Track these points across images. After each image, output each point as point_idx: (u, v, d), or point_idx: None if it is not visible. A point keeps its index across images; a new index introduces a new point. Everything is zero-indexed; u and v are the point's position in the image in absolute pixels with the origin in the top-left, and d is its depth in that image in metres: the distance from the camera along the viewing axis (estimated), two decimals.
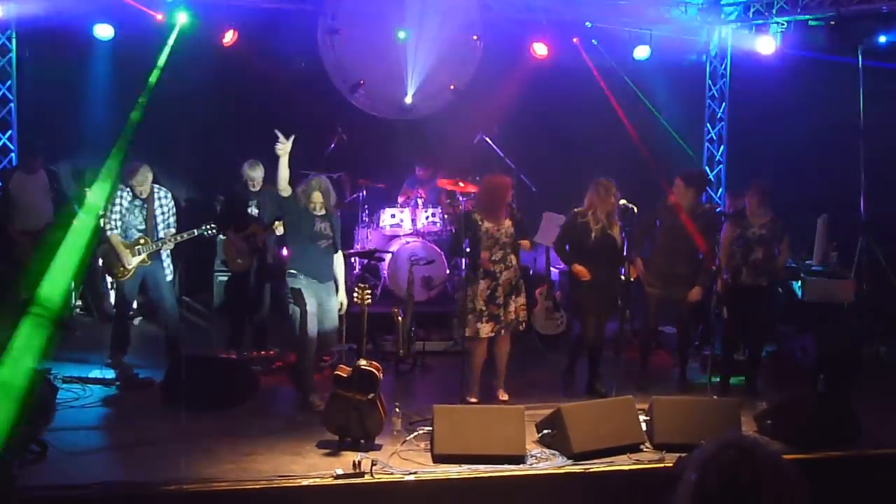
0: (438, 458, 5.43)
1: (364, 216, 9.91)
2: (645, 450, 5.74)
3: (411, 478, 5.15)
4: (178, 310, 7.87)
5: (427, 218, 9.73)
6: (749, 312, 7.22)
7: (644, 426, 5.88)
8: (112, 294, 8.48)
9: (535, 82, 10.34)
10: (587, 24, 10.43)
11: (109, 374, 7.25)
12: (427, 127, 10.36)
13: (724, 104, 11.32)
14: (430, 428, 5.64)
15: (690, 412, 5.93)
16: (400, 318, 7.59)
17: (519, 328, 6.89)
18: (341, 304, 6.70)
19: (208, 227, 7.44)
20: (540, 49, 10.50)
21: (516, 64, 10.47)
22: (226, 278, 8.83)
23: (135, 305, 8.28)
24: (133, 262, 7.20)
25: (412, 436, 5.82)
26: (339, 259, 6.76)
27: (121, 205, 7.20)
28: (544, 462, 5.49)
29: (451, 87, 10.61)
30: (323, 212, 6.55)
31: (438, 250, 9.33)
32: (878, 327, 8.71)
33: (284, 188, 6.42)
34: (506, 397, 6.85)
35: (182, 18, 9.11)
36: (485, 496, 5.21)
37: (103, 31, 9.32)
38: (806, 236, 9.11)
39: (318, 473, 5.12)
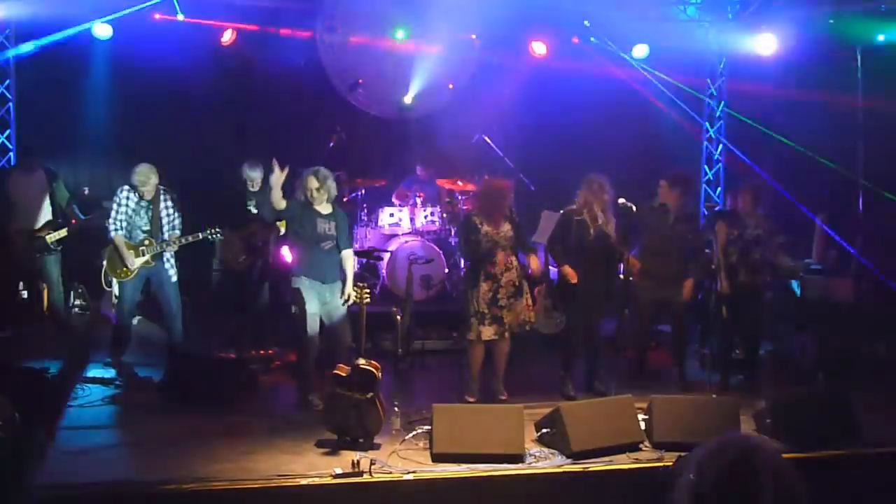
0: (437, 457, 5.42)
1: (363, 215, 9.90)
2: (644, 449, 5.73)
3: (410, 477, 5.15)
4: (181, 310, 7.87)
5: (426, 217, 9.73)
6: (745, 311, 7.22)
7: (643, 425, 5.87)
8: (113, 294, 8.46)
9: (534, 81, 10.34)
10: (586, 23, 10.42)
11: (110, 373, 7.26)
12: (426, 126, 10.35)
13: (722, 103, 11.31)
14: (429, 427, 5.64)
15: (689, 411, 5.92)
16: (399, 317, 7.58)
17: (525, 329, 6.87)
18: (349, 296, 6.54)
19: (213, 231, 7.44)
20: (539, 48, 10.50)
21: (515, 63, 10.46)
22: (223, 278, 8.80)
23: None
24: (136, 263, 7.22)
25: (411, 435, 5.82)
26: (347, 257, 6.73)
27: (127, 206, 7.21)
28: (543, 461, 5.48)
29: (450, 86, 10.61)
30: (323, 201, 6.53)
31: (437, 249, 9.32)
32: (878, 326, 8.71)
33: (279, 204, 6.48)
34: (505, 396, 6.84)
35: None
36: (484, 495, 5.20)
37: (102, 31, 9.31)
38: (805, 235, 9.11)
39: (317, 472, 5.12)
